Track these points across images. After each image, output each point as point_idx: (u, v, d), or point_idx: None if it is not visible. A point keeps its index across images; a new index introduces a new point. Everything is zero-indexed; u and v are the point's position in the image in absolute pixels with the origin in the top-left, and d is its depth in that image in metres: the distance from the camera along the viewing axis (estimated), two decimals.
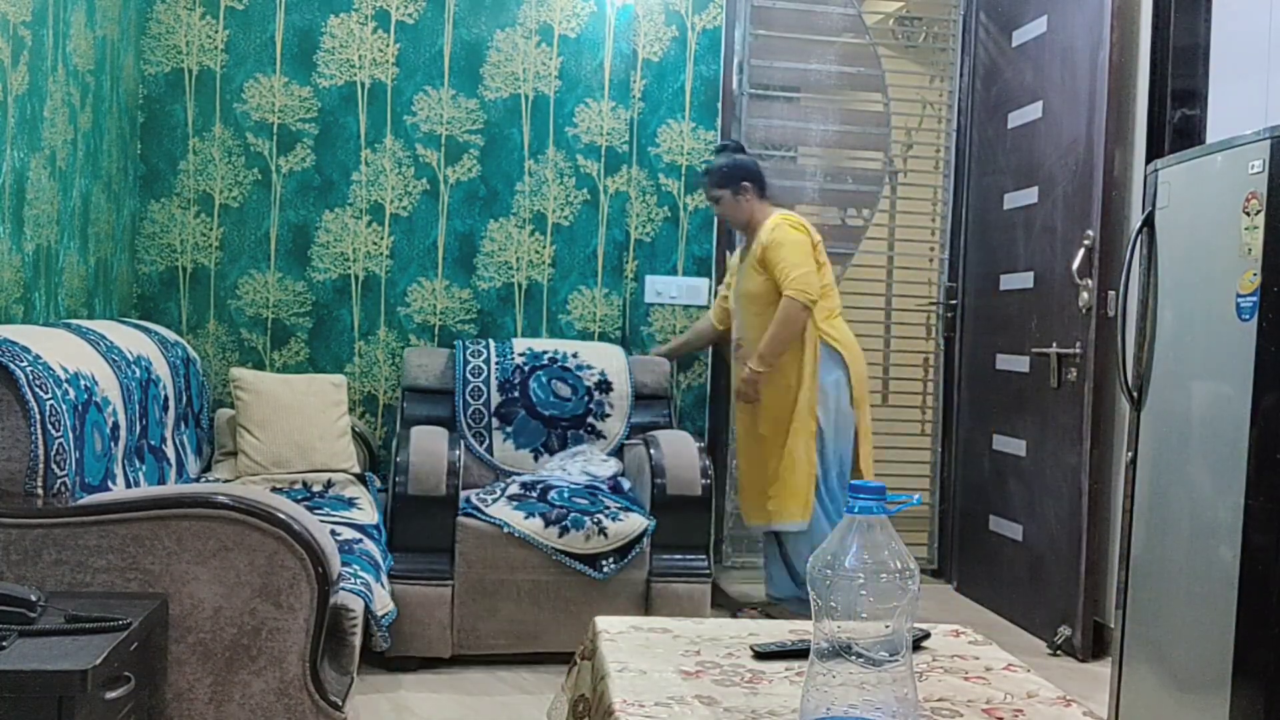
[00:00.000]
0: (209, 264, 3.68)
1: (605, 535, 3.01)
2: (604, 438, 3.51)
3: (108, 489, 2.15)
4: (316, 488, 3.08)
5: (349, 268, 3.76)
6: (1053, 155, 3.60)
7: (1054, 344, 3.50)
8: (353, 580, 2.30)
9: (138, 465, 2.43)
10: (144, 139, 3.62)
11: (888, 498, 1.18)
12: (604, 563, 3.01)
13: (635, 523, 3.05)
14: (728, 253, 4.09)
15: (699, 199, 3.94)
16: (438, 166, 3.79)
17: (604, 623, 1.68)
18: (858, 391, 3.40)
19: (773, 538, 3.47)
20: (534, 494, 3.13)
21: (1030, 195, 3.74)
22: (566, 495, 3.12)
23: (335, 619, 2.15)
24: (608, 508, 3.09)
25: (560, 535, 2.98)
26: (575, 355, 3.60)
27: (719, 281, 4.00)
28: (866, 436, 3.47)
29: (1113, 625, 2.88)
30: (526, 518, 3.00)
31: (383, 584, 2.51)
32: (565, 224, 3.88)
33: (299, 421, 3.32)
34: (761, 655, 1.53)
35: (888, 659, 1.14)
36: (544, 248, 3.87)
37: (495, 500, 3.10)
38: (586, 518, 3.02)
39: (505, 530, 2.98)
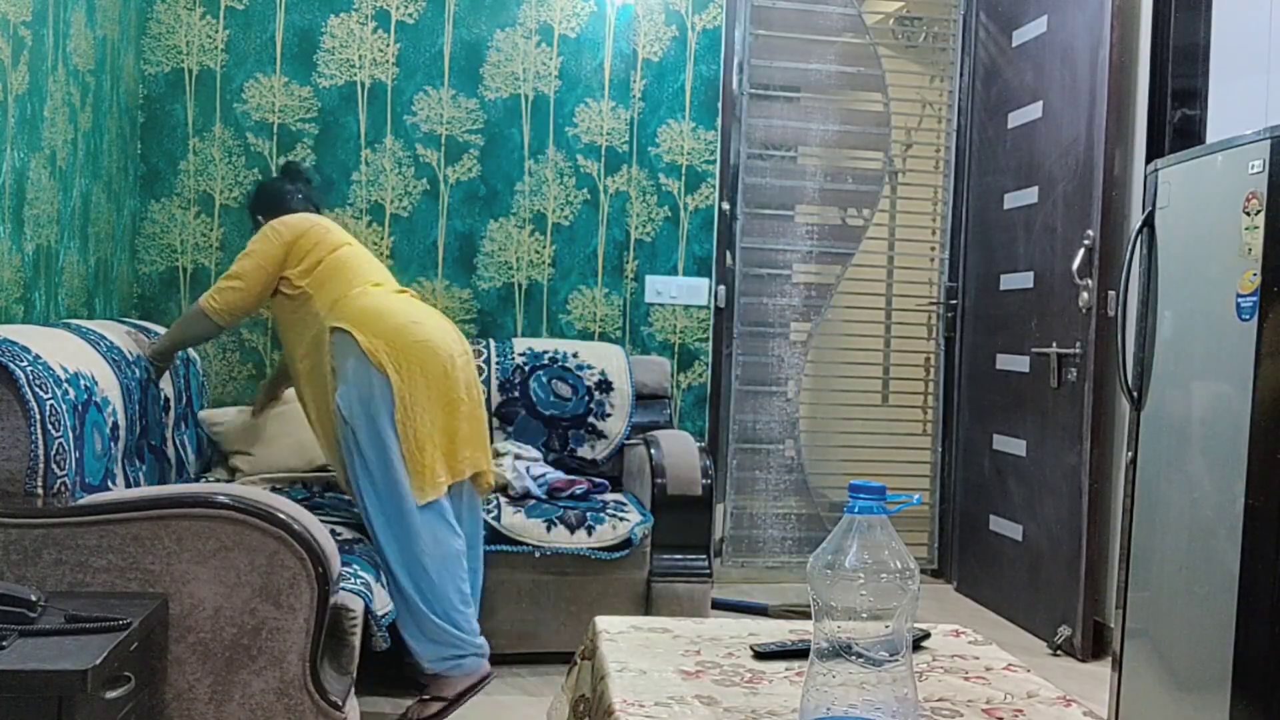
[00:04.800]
0: (209, 264, 3.68)
1: (624, 520, 3.07)
2: (605, 437, 3.52)
3: (108, 489, 2.15)
4: (316, 488, 3.08)
5: None
6: (1053, 155, 3.60)
7: (1054, 344, 3.50)
8: (353, 580, 2.30)
9: (138, 465, 2.43)
10: (144, 139, 3.62)
11: (888, 498, 1.18)
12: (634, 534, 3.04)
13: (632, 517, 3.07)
14: (728, 253, 4.10)
15: (699, 199, 3.94)
16: (438, 166, 3.79)
17: (604, 623, 1.68)
18: (379, 361, 2.55)
19: None
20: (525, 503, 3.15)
21: (1030, 195, 3.74)
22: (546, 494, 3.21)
23: (335, 619, 2.15)
24: (604, 504, 3.11)
25: (589, 535, 3.01)
26: (575, 355, 3.60)
27: (720, 282, 4.00)
28: (410, 422, 2.55)
29: (1113, 625, 2.88)
30: (550, 529, 3.00)
31: (383, 584, 2.51)
32: (565, 224, 3.88)
33: (297, 423, 3.31)
34: (761, 655, 1.53)
35: (888, 659, 1.14)
36: (544, 248, 3.87)
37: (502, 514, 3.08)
38: (600, 513, 3.06)
39: (541, 554, 2.98)
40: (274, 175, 3.29)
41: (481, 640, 2.65)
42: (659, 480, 3.15)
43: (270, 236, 2.72)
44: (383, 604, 2.41)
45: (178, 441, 2.86)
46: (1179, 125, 3.19)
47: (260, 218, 2.91)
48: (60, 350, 2.10)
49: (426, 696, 2.62)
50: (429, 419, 2.60)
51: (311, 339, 2.69)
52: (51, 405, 1.91)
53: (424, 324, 2.70)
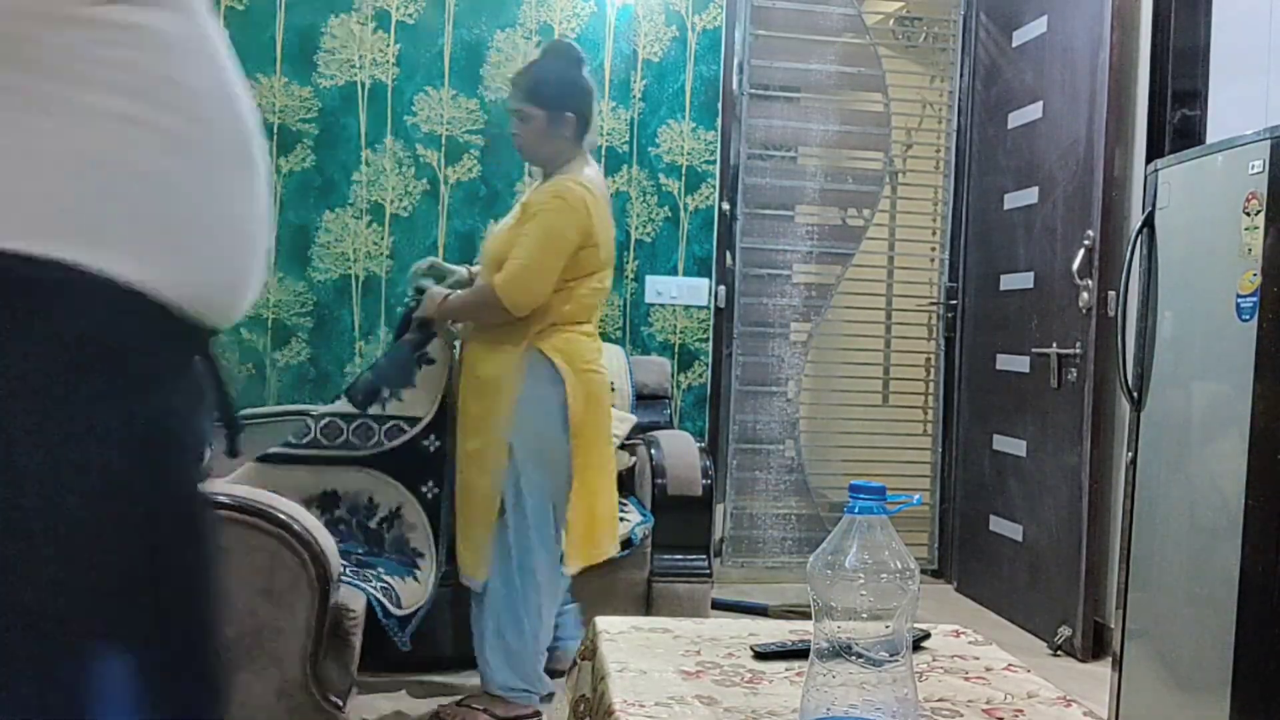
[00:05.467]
0: None
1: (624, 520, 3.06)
2: None
3: None
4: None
5: (349, 268, 3.76)
6: (1053, 155, 3.60)
7: (1054, 344, 3.50)
8: (374, 582, 2.30)
9: None
10: None
11: (888, 498, 1.18)
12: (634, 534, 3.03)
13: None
14: (727, 253, 4.10)
15: (699, 199, 3.94)
16: (438, 166, 3.79)
17: (604, 623, 1.67)
18: (576, 417, 2.48)
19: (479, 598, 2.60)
20: None
21: (1030, 195, 3.74)
22: None
23: (336, 619, 2.15)
24: None
25: None
26: None
27: (720, 282, 4.00)
28: (586, 484, 2.52)
29: (1113, 625, 2.88)
30: None
31: (419, 574, 2.49)
32: None
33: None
34: (761, 655, 1.53)
35: (888, 659, 1.14)
36: None
37: None
38: None
39: None
40: (578, 61, 2.61)
41: (551, 684, 2.60)
42: (659, 480, 3.15)
43: (562, 211, 2.40)
44: (414, 598, 2.41)
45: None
46: (1179, 125, 3.19)
47: (568, 114, 2.48)
48: None
49: (478, 707, 2.56)
50: (605, 488, 2.56)
51: (501, 335, 2.49)
52: None
53: (607, 397, 2.63)
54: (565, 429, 2.48)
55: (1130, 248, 2.63)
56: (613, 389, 3.53)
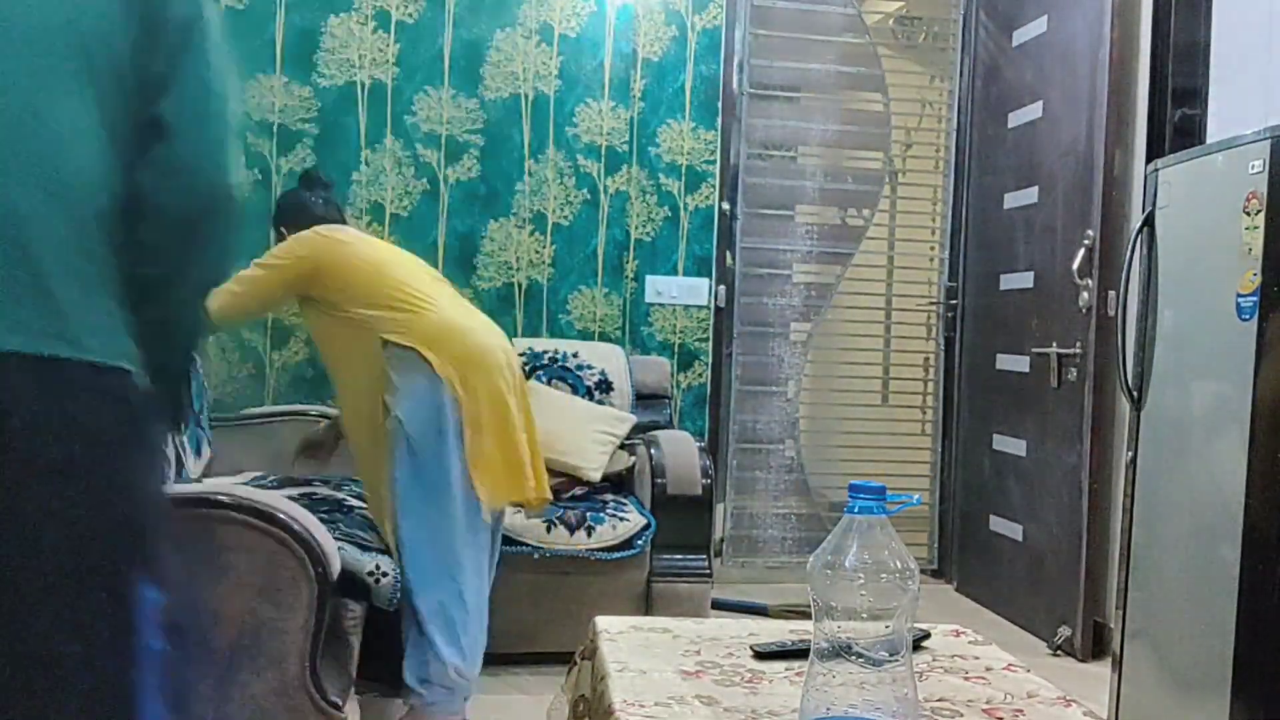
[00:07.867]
0: None
1: (624, 520, 3.06)
2: None
3: None
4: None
5: None
6: (1053, 155, 3.60)
7: (1054, 344, 3.50)
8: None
9: None
10: None
11: (888, 498, 1.17)
12: (638, 541, 3.04)
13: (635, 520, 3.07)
14: (728, 253, 4.10)
15: (699, 199, 3.94)
16: (438, 166, 3.79)
17: (604, 623, 1.67)
18: (459, 380, 2.42)
19: None
20: None
21: (1030, 195, 3.74)
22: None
23: (335, 619, 2.15)
24: (603, 503, 3.11)
25: (589, 536, 3.01)
26: (576, 355, 3.60)
27: (720, 282, 4.00)
28: (488, 456, 2.43)
29: (1113, 625, 2.88)
30: (550, 529, 2.99)
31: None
32: (565, 224, 3.88)
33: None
34: (761, 655, 1.53)
35: (888, 659, 1.14)
36: (544, 247, 3.87)
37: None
38: (600, 513, 3.06)
39: (541, 555, 2.97)
40: (293, 186, 3.02)
41: (474, 676, 2.44)
42: (659, 480, 3.15)
43: (285, 258, 2.54)
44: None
45: (178, 441, 2.86)
46: (1179, 125, 3.19)
47: (284, 229, 2.74)
48: None
49: None
50: (492, 439, 2.47)
51: (362, 354, 2.48)
52: None
53: (491, 348, 2.54)
54: (448, 397, 2.40)
55: (1130, 247, 2.64)
56: (612, 389, 3.57)
